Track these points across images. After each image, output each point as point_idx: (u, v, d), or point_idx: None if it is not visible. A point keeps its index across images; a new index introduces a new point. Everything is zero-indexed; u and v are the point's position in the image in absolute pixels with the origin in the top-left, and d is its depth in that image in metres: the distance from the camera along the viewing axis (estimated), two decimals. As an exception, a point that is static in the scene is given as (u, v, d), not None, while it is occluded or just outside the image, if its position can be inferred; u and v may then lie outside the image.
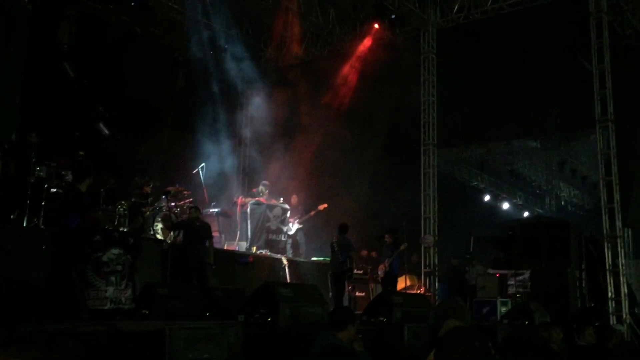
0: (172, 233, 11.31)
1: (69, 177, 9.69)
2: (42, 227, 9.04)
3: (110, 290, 7.98)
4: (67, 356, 1.26)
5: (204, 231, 10.57)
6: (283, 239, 14.07)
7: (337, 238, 12.11)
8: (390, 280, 12.09)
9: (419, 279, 15.33)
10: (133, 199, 11.82)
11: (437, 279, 15.40)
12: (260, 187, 14.12)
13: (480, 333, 3.01)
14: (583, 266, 13.55)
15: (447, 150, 17.05)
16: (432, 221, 15.69)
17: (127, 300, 8.12)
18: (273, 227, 13.88)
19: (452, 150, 17.39)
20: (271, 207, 13.89)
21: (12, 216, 9.05)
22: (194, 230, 10.42)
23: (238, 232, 13.64)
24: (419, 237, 15.47)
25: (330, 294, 12.91)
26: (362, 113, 16.83)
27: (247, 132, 18.24)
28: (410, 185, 16.24)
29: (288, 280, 12.10)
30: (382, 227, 13.54)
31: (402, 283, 14.14)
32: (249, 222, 13.47)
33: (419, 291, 14.50)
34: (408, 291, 13.94)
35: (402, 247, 12.28)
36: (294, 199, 14.81)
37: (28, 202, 9.28)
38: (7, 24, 6.31)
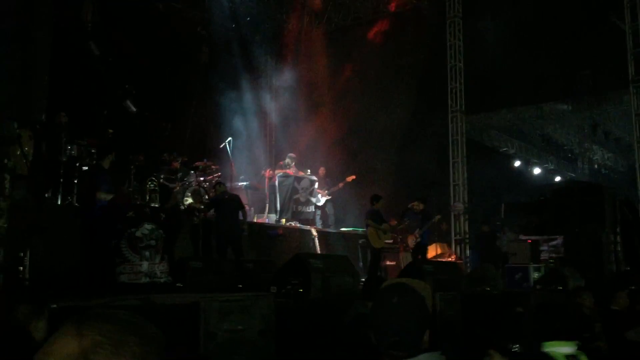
0: (200, 208, 11.46)
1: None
2: (76, 204, 9.24)
3: (145, 265, 8.16)
4: (146, 340, 1.29)
5: (235, 203, 10.64)
6: (312, 210, 14.15)
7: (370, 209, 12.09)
8: (420, 250, 12.11)
9: (450, 246, 15.34)
10: (162, 176, 11.96)
11: (467, 247, 15.39)
12: (287, 160, 14.17)
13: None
14: (618, 230, 13.36)
15: (475, 116, 16.86)
16: (461, 188, 15.65)
17: (162, 274, 8.30)
18: (302, 199, 13.94)
19: (480, 116, 17.17)
20: (299, 179, 13.94)
21: (46, 195, 9.25)
22: (225, 203, 10.51)
23: (267, 205, 13.75)
24: (448, 205, 15.43)
25: (360, 263, 13.01)
26: (387, 82, 16.71)
27: (272, 105, 18.27)
28: (439, 152, 16.15)
29: (318, 251, 12.19)
30: (412, 197, 13.54)
31: (432, 251, 14.17)
32: (277, 194, 13.55)
33: (450, 259, 14.52)
34: (439, 259, 13.95)
35: (435, 219, 12.20)
36: (322, 170, 14.85)
37: (61, 180, 9.48)
38: (32, 4, 6.38)
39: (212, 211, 10.51)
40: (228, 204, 10.49)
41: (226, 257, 9.94)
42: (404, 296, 2.22)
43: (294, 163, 14.13)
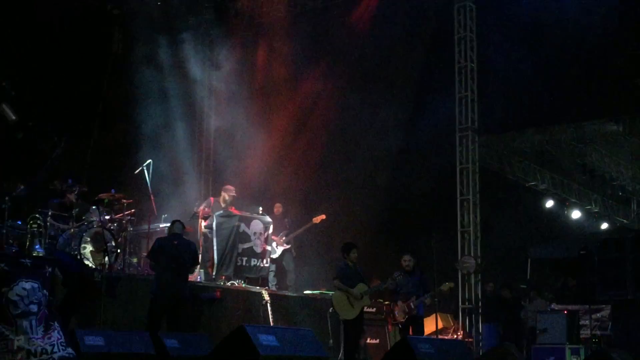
0: (106, 259, 11.30)
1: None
2: None
3: (23, 340, 7.98)
4: None
5: (187, 253, 10.77)
6: (264, 264, 14.02)
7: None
8: (413, 323, 12.05)
9: (455, 318, 15.30)
10: (51, 212, 11.79)
11: (480, 319, 15.38)
12: (223, 195, 13.99)
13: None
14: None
15: (492, 137, 17.03)
16: (472, 237, 15.69)
17: (54, 348, 8.13)
18: (255, 249, 13.84)
19: (499, 138, 17.34)
20: (247, 220, 13.82)
21: None
22: (171, 251, 10.56)
23: (200, 256, 13.60)
24: (453, 259, 15.48)
25: (331, 340, 12.87)
26: (375, 85, 16.86)
27: (210, 115, 18.22)
28: (443, 185, 16.27)
29: (271, 323, 12.04)
30: (405, 247, 13.57)
31: (431, 324, 14.09)
32: (214, 241, 13.41)
33: (455, 336, 14.46)
34: (440, 336, 13.89)
35: (444, 288, 12.20)
36: (278, 208, 14.79)
37: None
38: None
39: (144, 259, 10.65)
40: (176, 252, 10.57)
41: (158, 328, 9.99)
42: None
43: (230, 199, 13.95)
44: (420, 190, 16.88)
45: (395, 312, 12.55)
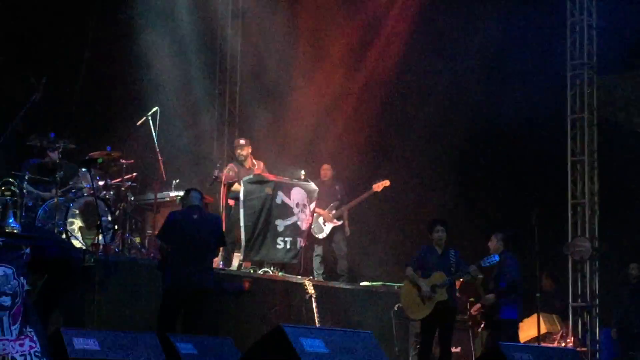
0: (100, 237, 11.44)
1: None
2: None
3: (-7, 343, 8.11)
4: None
5: (211, 229, 10.88)
6: (301, 245, 14.07)
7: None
8: (503, 327, 12.12)
9: (564, 320, 15.25)
10: (28, 175, 11.96)
11: (598, 320, 15.31)
12: (237, 153, 13.99)
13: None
14: None
15: (615, 77, 16.81)
16: (587, 211, 15.59)
17: (25, 359, 8.26)
18: (301, 225, 13.85)
19: (624, 79, 17.11)
20: (285, 188, 13.84)
21: None
22: (189, 229, 10.65)
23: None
24: (560, 239, 15.39)
25: (397, 348, 12.96)
26: (458, 4, 16.72)
27: (237, 46, 18.18)
28: (545, 142, 16.14)
29: (317, 323, 12.15)
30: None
31: (531, 328, 14.11)
32: (242, 215, 13.49)
33: (564, 343, 14.44)
34: (543, 343, 13.90)
35: (545, 284, 12.23)
36: (326, 171, 14.83)
37: None
38: None
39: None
40: (195, 230, 10.64)
41: (171, 329, 10.14)
42: None
43: (246, 156, 13.94)
44: (516, 149, 16.71)
45: (472, 311, 12.68)
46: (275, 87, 17.33)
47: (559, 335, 14.88)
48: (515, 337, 12.60)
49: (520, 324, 14.04)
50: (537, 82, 16.38)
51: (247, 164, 13.84)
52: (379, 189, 14.45)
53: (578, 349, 14.11)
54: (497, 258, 11.95)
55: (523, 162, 16.54)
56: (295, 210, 13.65)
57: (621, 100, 17.59)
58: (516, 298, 12.48)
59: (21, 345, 8.34)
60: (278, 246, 13.47)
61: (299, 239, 13.64)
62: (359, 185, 14.99)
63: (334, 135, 16.47)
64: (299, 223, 13.67)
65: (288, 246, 13.58)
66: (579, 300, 15.58)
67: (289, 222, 13.58)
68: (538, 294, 13.20)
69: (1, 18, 13.29)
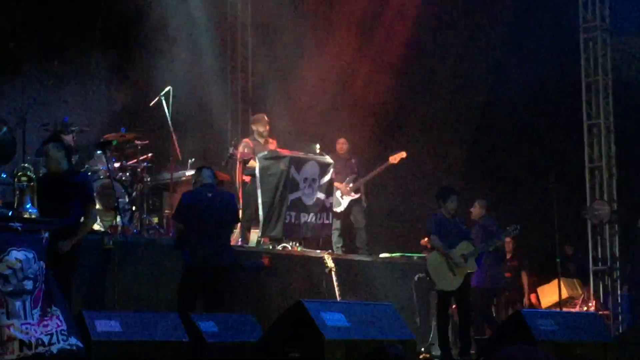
0: (117, 219, 11.48)
1: None
2: None
3: (17, 325, 8.15)
4: None
5: (226, 207, 10.91)
6: (325, 220, 14.10)
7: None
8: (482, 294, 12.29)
9: (584, 285, 15.26)
10: (44, 160, 12.00)
11: (619, 283, 15.32)
12: (255, 129, 13.98)
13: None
14: None
15: (630, 39, 16.73)
16: (605, 174, 15.56)
17: (52, 338, 8.29)
18: (306, 200, 13.89)
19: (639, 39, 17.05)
20: (298, 163, 13.84)
21: None
22: (205, 208, 10.69)
23: (240, 211, 13.73)
24: (578, 203, 15.36)
25: (418, 319, 12.99)
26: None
27: (246, 25, 18.12)
28: (563, 107, 16.08)
29: (338, 297, 12.18)
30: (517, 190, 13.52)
31: (552, 293, 14.14)
32: (259, 192, 13.50)
33: (585, 307, 14.45)
34: (565, 308, 13.92)
35: (567, 250, 12.27)
36: (342, 144, 14.82)
37: None
38: None
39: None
40: (211, 208, 10.68)
41: (192, 308, 10.22)
42: None
43: (267, 132, 13.95)
44: (531, 114, 16.67)
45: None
46: (287, 62, 17.28)
47: (581, 299, 14.91)
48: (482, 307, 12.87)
49: (540, 290, 14.11)
50: (550, 46, 16.34)
51: (264, 140, 13.86)
52: (396, 161, 14.45)
53: (600, 312, 14.11)
54: (519, 227, 12.07)
55: (538, 127, 16.51)
56: (302, 185, 13.67)
57: (636, 61, 17.53)
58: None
59: (45, 326, 8.39)
60: (286, 220, 13.48)
61: (303, 215, 13.69)
62: (375, 157, 14.95)
63: (349, 108, 16.41)
64: (303, 198, 13.71)
65: (300, 220, 13.65)
66: (600, 264, 15.60)
67: (294, 196, 13.62)
68: (558, 259, 13.21)
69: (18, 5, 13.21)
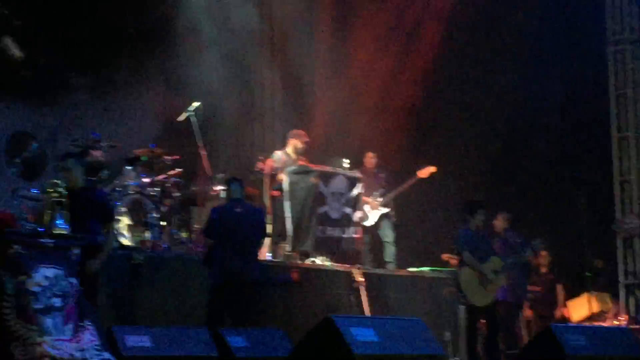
0: (147, 234, 11.52)
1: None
2: None
3: (49, 341, 8.16)
4: None
5: (254, 222, 11.01)
6: (354, 235, 14.10)
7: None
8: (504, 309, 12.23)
9: (615, 299, 15.17)
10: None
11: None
12: (293, 143, 13.98)
13: None
14: None
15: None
16: (635, 187, 15.48)
17: (85, 354, 8.30)
18: (333, 215, 13.89)
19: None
20: (326, 177, 13.86)
21: None
22: (234, 223, 10.74)
23: (270, 226, 13.75)
24: (608, 216, 15.28)
25: (448, 333, 12.94)
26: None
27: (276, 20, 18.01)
28: (592, 120, 16.00)
29: (367, 312, 12.17)
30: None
31: (582, 307, 14.06)
32: (288, 205, 13.51)
33: (616, 322, 14.37)
34: (595, 322, 13.86)
35: (598, 264, 12.24)
36: (370, 159, 14.79)
37: None
38: None
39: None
40: (240, 223, 10.75)
41: (221, 323, 10.27)
42: None
43: (303, 149, 13.96)
44: (560, 127, 16.61)
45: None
46: (313, 70, 17.26)
47: (612, 313, 14.81)
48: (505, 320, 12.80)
49: (570, 303, 14.03)
50: (577, 58, 16.30)
51: (297, 156, 13.89)
52: (425, 176, 14.44)
53: (631, 326, 14.01)
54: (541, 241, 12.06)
55: (566, 139, 16.46)
56: (329, 199, 13.73)
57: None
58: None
59: (78, 341, 8.41)
60: (315, 234, 13.55)
61: (329, 229, 13.72)
62: (401, 171, 14.92)
63: (379, 122, 16.38)
64: (329, 212, 13.75)
65: (326, 233, 13.67)
66: (630, 278, 15.49)
67: (320, 211, 13.66)
68: (589, 274, 13.17)
69: (38, 14, 13.27)
